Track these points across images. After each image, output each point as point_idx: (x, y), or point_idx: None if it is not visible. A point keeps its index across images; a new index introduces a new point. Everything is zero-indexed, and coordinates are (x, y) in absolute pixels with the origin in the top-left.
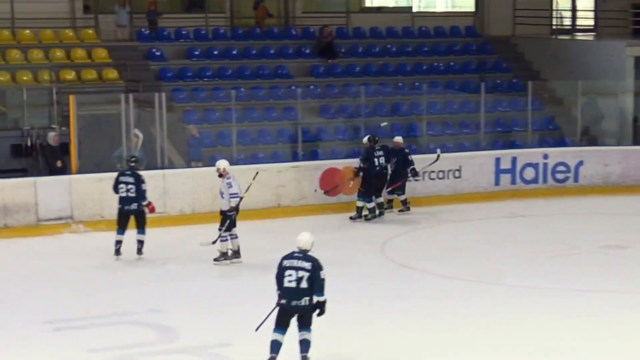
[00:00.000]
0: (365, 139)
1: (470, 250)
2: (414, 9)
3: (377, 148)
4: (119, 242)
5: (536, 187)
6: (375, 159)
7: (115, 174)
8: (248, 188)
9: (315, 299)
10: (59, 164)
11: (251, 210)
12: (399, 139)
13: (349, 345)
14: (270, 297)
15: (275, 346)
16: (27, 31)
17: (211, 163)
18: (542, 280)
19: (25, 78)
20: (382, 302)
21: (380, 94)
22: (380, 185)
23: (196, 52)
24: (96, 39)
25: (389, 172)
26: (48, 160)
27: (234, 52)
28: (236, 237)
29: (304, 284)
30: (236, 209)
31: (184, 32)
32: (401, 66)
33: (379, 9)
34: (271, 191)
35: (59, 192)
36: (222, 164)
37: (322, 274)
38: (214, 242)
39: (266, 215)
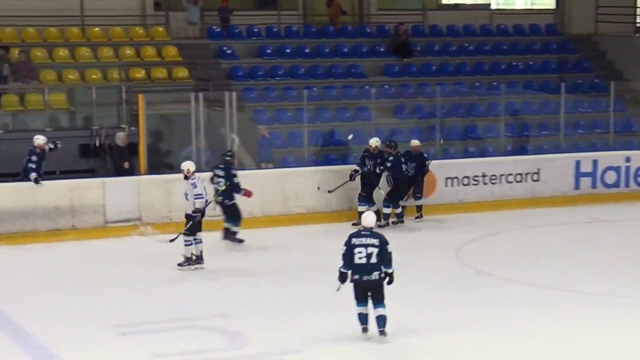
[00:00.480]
0: (373, 141)
1: (549, 256)
2: (493, 6)
3: (398, 154)
4: (225, 229)
5: (618, 191)
6: (403, 165)
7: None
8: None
9: (384, 270)
10: (126, 165)
11: (324, 213)
12: (416, 142)
13: (429, 354)
14: (341, 304)
15: (363, 318)
16: (97, 29)
17: (282, 164)
18: (624, 289)
19: (94, 76)
20: (461, 310)
21: (456, 94)
22: (407, 191)
23: (268, 51)
24: (166, 37)
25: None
26: (115, 161)
27: (307, 51)
28: (200, 242)
29: (373, 259)
30: (200, 211)
31: (255, 30)
32: (479, 65)
33: (457, 6)
34: (344, 194)
35: (127, 193)
36: (187, 165)
37: (389, 247)
38: (171, 240)
39: (338, 219)
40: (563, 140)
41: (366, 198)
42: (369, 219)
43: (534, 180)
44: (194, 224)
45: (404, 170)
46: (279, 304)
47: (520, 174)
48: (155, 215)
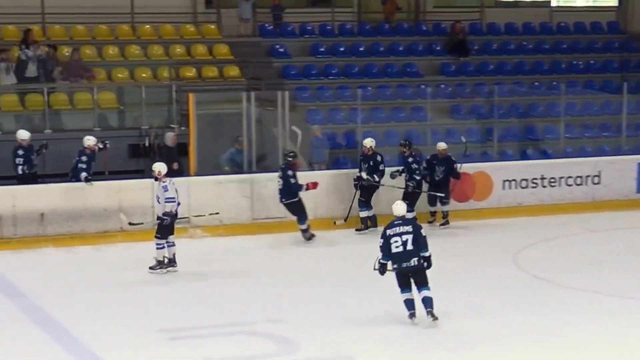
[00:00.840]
0: (367, 142)
1: (609, 262)
2: (553, 4)
3: (413, 154)
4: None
5: None
6: (420, 167)
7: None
8: (198, 216)
9: (422, 255)
10: (175, 166)
11: (380, 216)
12: (443, 145)
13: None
14: (394, 308)
15: (410, 303)
16: (147, 26)
17: (336, 166)
18: None
19: (144, 75)
20: (518, 316)
21: (515, 94)
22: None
23: (321, 49)
24: (218, 35)
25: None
26: (164, 161)
27: (361, 49)
28: (173, 245)
29: (409, 246)
30: (171, 214)
31: (309, 28)
32: (538, 64)
33: (516, 3)
34: (397, 197)
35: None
36: (157, 166)
37: (423, 231)
38: (130, 224)
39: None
40: (625, 142)
41: (365, 203)
42: (400, 208)
43: (595, 183)
44: (164, 227)
45: (431, 172)
46: (331, 310)
47: (581, 177)
48: (205, 217)
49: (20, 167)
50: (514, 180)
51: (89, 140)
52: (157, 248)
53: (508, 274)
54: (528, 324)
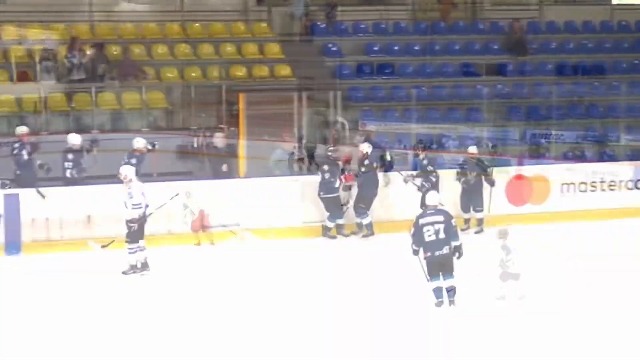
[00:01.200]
0: (364, 147)
1: None
2: (614, 1)
3: (430, 158)
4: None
5: None
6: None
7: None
8: (161, 206)
9: (453, 244)
10: (224, 167)
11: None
12: (474, 149)
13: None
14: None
15: (439, 291)
16: (197, 24)
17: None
18: None
19: (193, 74)
20: (575, 318)
21: (574, 94)
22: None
23: (375, 48)
24: (269, 33)
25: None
26: (213, 163)
27: (416, 48)
28: (144, 249)
29: (441, 235)
30: (137, 221)
31: (362, 26)
32: (598, 64)
33: (575, 1)
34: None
35: (225, 197)
36: (124, 170)
37: (454, 221)
38: (103, 246)
39: None
40: None
41: (365, 209)
42: (434, 199)
43: None
44: (133, 232)
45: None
46: (380, 314)
47: None
48: (255, 220)
49: (68, 171)
50: (573, 183)
51: (138, 143)
52: (129, 253)
53: (563, 279)
54: (589, 327)
